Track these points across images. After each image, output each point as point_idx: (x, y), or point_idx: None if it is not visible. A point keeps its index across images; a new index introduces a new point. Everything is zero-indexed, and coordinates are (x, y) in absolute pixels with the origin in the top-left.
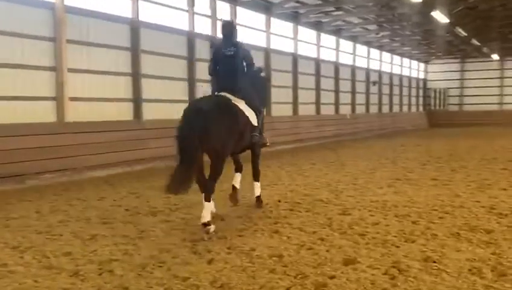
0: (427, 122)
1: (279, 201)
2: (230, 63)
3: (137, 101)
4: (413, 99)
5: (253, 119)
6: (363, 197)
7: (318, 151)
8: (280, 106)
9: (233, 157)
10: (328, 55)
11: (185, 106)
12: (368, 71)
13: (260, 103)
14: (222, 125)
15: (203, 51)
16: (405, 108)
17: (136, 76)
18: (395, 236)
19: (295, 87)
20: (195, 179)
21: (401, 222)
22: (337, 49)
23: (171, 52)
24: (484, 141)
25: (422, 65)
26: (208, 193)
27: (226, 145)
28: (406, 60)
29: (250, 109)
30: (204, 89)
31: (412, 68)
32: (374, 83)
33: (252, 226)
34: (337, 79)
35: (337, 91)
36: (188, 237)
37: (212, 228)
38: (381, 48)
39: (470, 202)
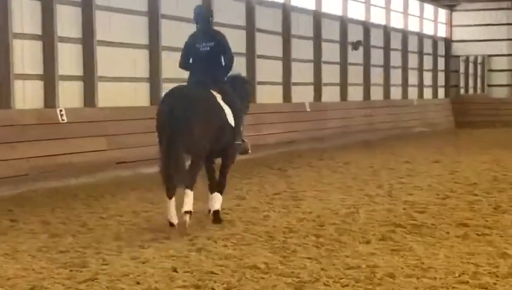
0: (453, 119)
1: None
2: (206, 59)
3: None
4: (428, 76)
5: (231, 119)
6: (331, 261)
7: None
8: None
9: (207, 166)
10: None
11: None
12: (343, 23)
13: (241, 105)
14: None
15: None
16: (413, 92)
17: None
18: None
19: None
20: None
21: None
22: None
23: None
24: None
25: (443, 13)
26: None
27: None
28: (413, 3)
29: (228, 107)
30: None
31: (425, 18)
32: (355, 44)
33: None
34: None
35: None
36: None
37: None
38: None
39: None
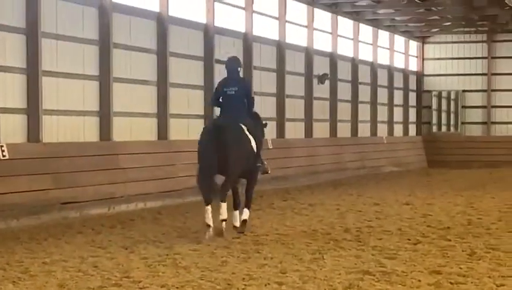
0: (425, 158)
1: None
2: (231, 100)
3: None
4: (398, 112)
5: (254, 146)
6: None
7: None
8: None
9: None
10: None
11: None
12: (309, 54)
13: (260, 135)
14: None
15: None
16: (382, 129)
17: None
18: None
19: None
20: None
21: None
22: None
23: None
24: None
25: (414, 45)
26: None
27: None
28: (383, 34)
29: (251, 137)
30: None
31: (395, 51)
32: (321, 77)
33: None
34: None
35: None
36: None
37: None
38: (335, 8)
39: None
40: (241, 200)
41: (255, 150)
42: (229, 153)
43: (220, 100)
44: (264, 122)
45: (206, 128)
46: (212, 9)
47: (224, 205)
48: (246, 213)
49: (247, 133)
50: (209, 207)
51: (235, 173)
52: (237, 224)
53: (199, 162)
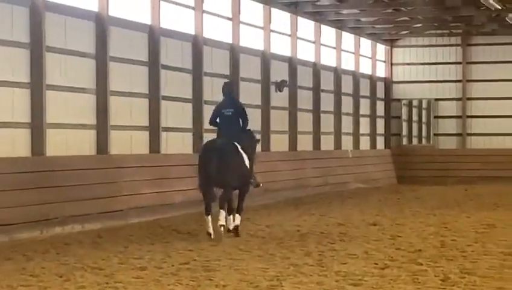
0: (395, 174)
1: None
2: (230, 122)
3: None
4: (365, 123)
5: (247, 162)
6: None
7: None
8: None
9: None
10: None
11: None
12: (265, 59)
13: (252, 152)
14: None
15: None
16: (347, 142)
17: None
18: None
19: None
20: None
21: None
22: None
23: None
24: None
25: (382, 49)
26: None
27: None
28: (347, 37)
29: (244, 154)
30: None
31: (361, 55)
32: (280, 84)
33: None
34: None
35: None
36: None
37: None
38: (295, 8)
39: None
40: (233, 208)
41: (248, 166)
42: (226, 170)
43: (217, 120)
44: (257, 138)
45: (206, 147)
46: (158, 9)
47: (222, 212)
48: (238, 219)
49: (241, 151)
50: (209, 217)
51: (230, 186)
52: (230, 227)
53: (200, 176)
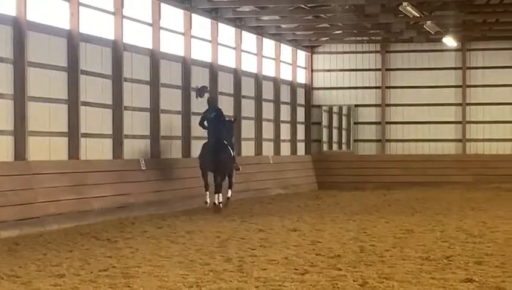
0: (315, 180)
1: None
2: (214, 121)
3: None
4: (285, 129)
5: (231, 153)
6: None
7: None
8: None
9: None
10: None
11: None
12: (186, 64)
13: (233, 143)
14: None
15: None
16: (268, 148)
17: None
18: None
19: None
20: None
21: None
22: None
23: None
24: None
25: (302, 55)
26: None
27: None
28: (268, 43)
29: (229, 147)
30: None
31: (282, 61)
32: (200, 90)
33: None
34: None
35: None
36: None
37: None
38: (215, 14)
39: None
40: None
41: (232, 155)
42: (220, 161)
43: (205, 123)
44: (232, 120)
45: (206, 145)
46: (77, 13)
47: (219, 195)
48: (229, 192)
49: (228, 147)
50: (207, 192)
51: (223, 172)
52: (224, 199)
53: (201, 165)
